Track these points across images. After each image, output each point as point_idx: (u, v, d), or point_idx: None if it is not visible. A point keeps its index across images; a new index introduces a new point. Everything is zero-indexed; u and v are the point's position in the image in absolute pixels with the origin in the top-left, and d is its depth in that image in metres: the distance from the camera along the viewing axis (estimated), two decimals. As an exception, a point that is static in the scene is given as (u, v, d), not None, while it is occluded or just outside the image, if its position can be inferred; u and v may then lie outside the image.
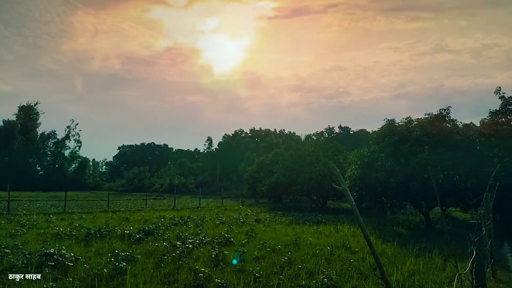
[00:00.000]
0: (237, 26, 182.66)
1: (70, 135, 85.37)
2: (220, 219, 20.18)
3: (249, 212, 26.48)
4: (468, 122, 23.59)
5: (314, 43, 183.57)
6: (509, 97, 20.90)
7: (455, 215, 27.83)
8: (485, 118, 21.80)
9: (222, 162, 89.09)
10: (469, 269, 4.97)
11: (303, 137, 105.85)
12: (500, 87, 20.95)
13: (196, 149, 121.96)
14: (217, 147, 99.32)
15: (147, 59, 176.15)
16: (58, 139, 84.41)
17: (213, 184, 79.91)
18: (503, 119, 21.11)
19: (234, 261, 7.28)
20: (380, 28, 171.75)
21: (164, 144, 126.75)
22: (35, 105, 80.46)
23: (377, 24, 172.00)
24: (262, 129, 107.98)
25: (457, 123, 22.25)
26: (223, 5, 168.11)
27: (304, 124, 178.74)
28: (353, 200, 3.48)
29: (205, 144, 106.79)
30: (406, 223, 23.44)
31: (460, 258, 10.95)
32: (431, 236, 17.05)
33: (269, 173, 39.41)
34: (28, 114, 79.43)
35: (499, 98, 21.16)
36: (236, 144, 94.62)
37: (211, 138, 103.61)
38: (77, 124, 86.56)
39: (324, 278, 8.21)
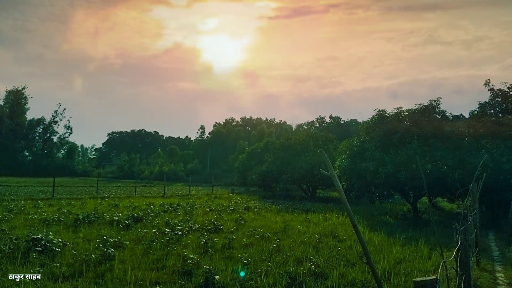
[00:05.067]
0: (234, 24, 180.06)
1: (58, 120, 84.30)
2: (209, 207, 20.21)
3: (239, 200, 26.54)
4: (457, 113, 23.89)
5: (311, 39, 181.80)
6: (498, 90, 21.17)
7: (442, 205, 28.25)
8: (474, 110, 22.10)
9: (213, 150, 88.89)
10: (454, 257, 5.04)
11: (294, 127, 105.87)
12: (489, 80, 21.32)
13: (187, 136, 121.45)
14: (208, 135, 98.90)
15: (139, 45, 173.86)
16: (46, 124, 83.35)
17: (204, 172, 79.72)
18: (492, 111, 21.42)
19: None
20: (373, 17, 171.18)
21: (155, 131, 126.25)
22: (22, 89, 79.18)
23: (370, 13, 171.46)
24: (253, 117, 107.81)
25: (447, 115, 22.47)
26: (223, 4, 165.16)
27: (296, 114, 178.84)
28: (340, 185, 3.48)
29: (197, 132, 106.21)
30: (394, 212, 23.76)
31: (445, 247, 11.11)
32: (417, 226, 17.29)
33: (259, 161, 39.43)
34: (16, 98, 78.18)
35: (488, 90, 21.46)
36: (227, 132, 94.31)
37: (204, 126, 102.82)
38: (64, 109, 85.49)
39: (311, 265, 8.29)
